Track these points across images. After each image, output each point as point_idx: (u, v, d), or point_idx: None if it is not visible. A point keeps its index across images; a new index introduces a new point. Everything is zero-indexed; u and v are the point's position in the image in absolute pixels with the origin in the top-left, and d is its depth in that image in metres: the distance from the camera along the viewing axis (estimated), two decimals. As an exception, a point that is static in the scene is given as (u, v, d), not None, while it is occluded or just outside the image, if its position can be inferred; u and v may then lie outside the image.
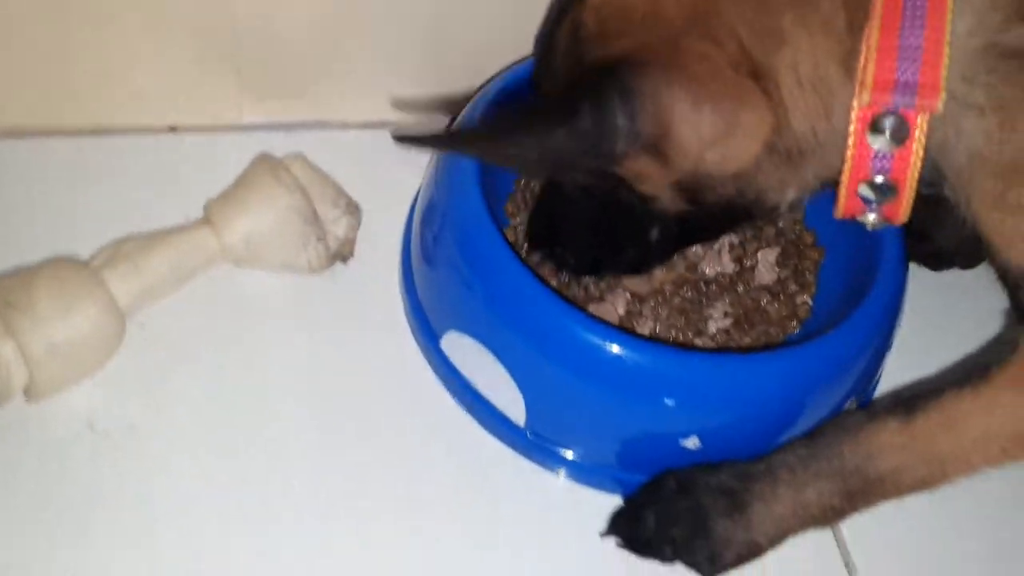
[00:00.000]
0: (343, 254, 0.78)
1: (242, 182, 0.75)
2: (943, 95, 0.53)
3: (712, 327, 0.74)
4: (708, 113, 0.56)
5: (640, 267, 0.71)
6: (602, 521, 0.67)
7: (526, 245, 0.74)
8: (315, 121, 0.86)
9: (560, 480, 0.70)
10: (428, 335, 0.73)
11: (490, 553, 0.66)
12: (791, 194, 0.62)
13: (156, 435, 0.67)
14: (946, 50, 0.53)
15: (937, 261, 0.85)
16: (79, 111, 0.83)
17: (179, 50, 0.80)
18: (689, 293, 0.75)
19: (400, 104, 0.86)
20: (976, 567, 0.71)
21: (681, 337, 0.73)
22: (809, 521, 0.65)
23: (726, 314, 0.75)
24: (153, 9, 0.77)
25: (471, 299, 0.68)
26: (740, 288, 0.77)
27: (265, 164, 0.75)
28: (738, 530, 0.64)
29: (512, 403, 0.68)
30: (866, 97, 0.54)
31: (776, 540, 0.65)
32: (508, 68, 0.76)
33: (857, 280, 0.71)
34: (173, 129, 0.84)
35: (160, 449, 0.66)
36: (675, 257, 0.74)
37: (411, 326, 0.75)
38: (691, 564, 0.65)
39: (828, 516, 0.64)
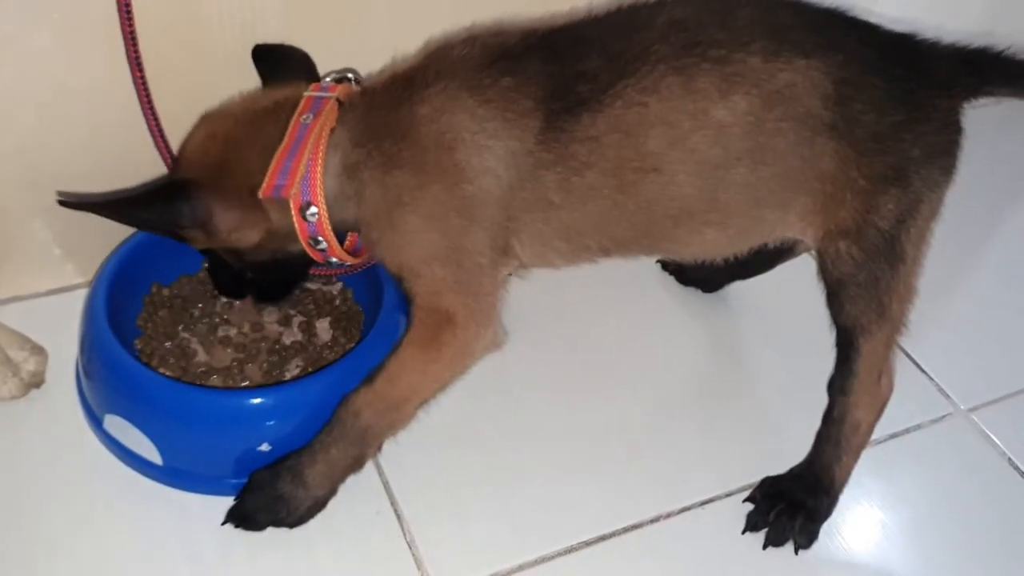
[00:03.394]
0: (35, 383, 1.13)
1: (-50, 346, 1.10)
2: (309, 183, 0.95)
3: (288, 376, 1.13)
4: (231, 214, 0.99)
5: (263, 297, 1.15)
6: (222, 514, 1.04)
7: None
8: (10, 297, 1.23)
9: (192, 495, 1.06)
10: (95, 420, 1.09)
11: (145, 552, 1.01)
12: (299, 248, 1.02)
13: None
14: (302, 169, 0.94)
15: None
16: None
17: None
18: (274, 358, 1.15)
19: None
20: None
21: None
22: (344, 469, 1.03)
23: (298, 366, 1.15)
24: None
25: (113, 393, 1.06)
26: (309, 348, 1.17)
27: (-34, 331, 1.10)
28: (300, 490, 1.02)
29: (150, 451, 1.05)
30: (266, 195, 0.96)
31: (330, 489, 1.04)
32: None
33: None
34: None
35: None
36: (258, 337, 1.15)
37: (85, 417, 1.11)
38: (279, 523, 1.03)
39: (353, 463, 1.03)
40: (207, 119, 1.04)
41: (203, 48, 1.15)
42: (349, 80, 1.03)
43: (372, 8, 1.21)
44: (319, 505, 1.04)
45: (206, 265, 1.18)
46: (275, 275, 1.10)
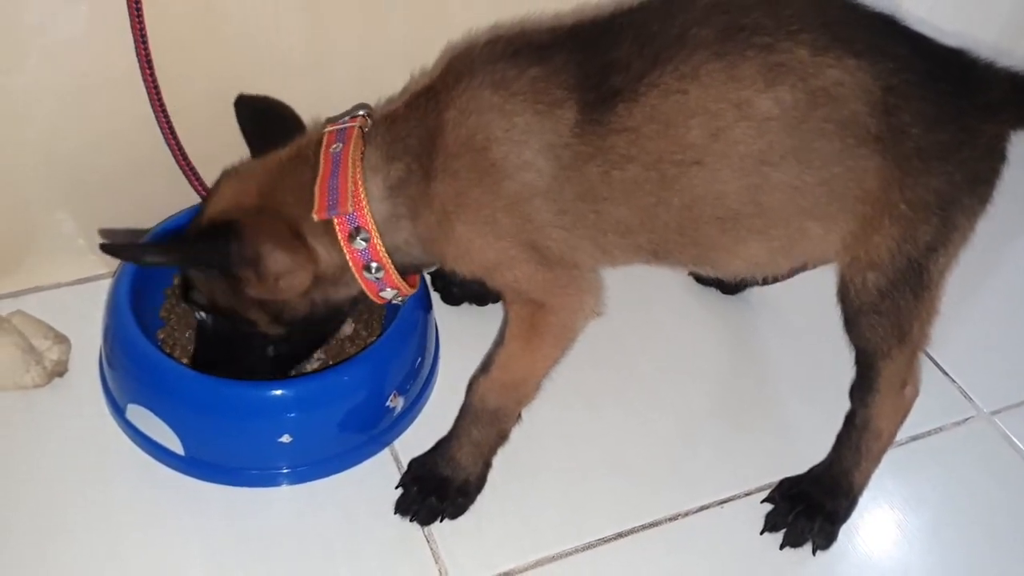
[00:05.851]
0: (58, 371, 1.14)
1: (-25, 334, 1.11)
2: (353, 207, 0.93)
3: (309, 368, 1.14)
4: (279, 255, 0.96)
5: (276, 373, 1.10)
6: (250, 504, 1.05)
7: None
8: (34, 287, 1.24)
9: (213, 486, 1.07)
10: (117, 410, 1.10)
11: (163, 542, 1.02)
12: (347, 294, 1.02)
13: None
14: (349, 187, 0.92)
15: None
16: None
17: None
18: (294, 350, 1.15)
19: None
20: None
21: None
22: (490, 446, 1.07)
23: (319, 359, 1.15)
24: None
25: (136, 382, 1.07)
26: (331, 341, 1.17)
27: (-11, 320, 1.12)
28: (458, 471, 1.06)
29: (172, 441, 1.05)
30: (322, 216, 0.94)
31: (484, 464, 1.07)
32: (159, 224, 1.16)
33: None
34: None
35: None
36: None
37: (108, 406, 1.12)
38: (452, 504, 1.06)
39: (497, 439, 1.07)
40: (230, 178, 1.02)
41: (221, 39, 1.15)
42: (363, 115, 0.99)
43: (394, 2, 1.21)
44: (481, 480, 1.08)
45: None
46: (307, 336, 1.07)
